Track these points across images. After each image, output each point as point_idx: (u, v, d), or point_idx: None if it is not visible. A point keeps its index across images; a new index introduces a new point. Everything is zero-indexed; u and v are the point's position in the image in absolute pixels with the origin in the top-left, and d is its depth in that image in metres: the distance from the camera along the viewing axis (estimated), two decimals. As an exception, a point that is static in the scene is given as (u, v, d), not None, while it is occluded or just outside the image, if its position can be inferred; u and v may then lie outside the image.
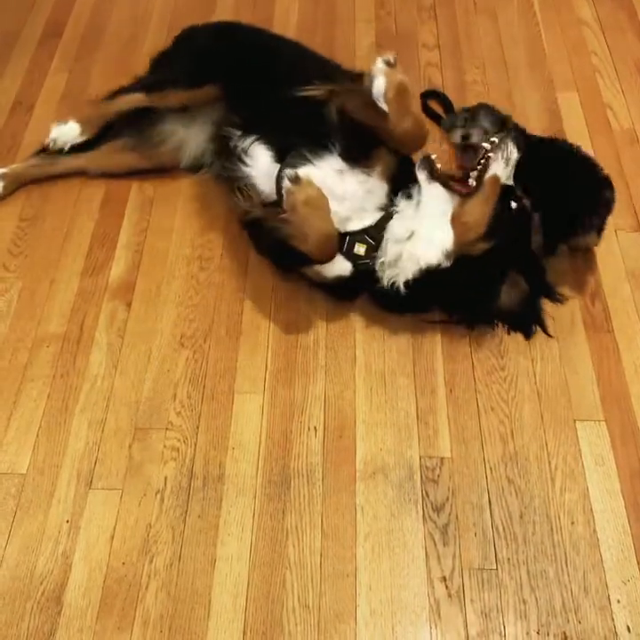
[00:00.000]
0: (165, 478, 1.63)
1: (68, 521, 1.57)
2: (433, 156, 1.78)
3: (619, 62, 2.50)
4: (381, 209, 1.76)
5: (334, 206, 1.69)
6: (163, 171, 2.17)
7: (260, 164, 1.83)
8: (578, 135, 2.27)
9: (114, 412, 1.72)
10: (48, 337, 1.85)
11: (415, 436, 1.68)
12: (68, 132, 2.11)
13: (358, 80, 1.82)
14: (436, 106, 2.37)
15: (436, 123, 2.34)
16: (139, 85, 2.17)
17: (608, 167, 2.18)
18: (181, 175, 2.17)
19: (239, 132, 1.90)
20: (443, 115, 2.35)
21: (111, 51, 2.57)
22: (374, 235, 1.74)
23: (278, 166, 1.77)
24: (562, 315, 1.87)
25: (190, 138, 2.13)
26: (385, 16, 2.68)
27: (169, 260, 2.00)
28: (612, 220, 2.05)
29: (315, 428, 1.70)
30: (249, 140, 1.86)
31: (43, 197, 2.14)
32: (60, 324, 1.87)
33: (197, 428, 1.70)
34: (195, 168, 2.15)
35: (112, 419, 1.71)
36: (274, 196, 1.77)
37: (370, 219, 1.75)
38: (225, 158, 1.94)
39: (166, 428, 1.70)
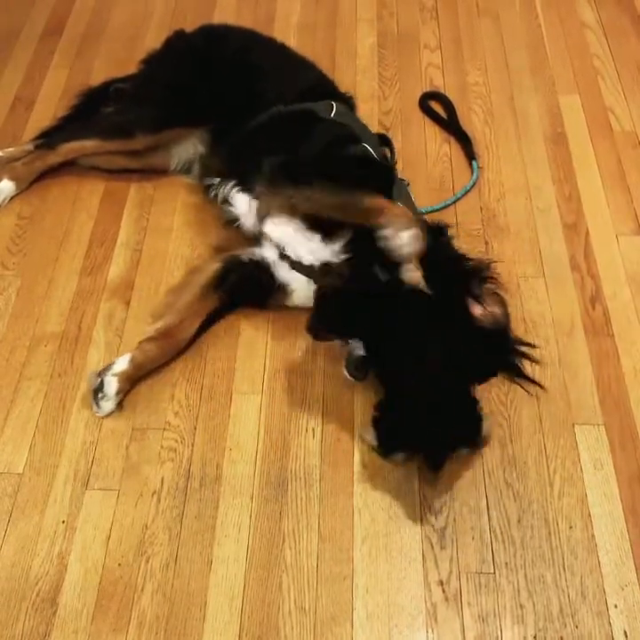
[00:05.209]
0: (162, 479, 1.62)
1: (63, 521, 1.56)
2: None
3: (621, 65, 2.49)
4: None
5: (303, 257, 1.77)
6: (156, 171, 2.17)
7: (241, 205, 1.90)
8: (579, 138, 2.27)
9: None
10: (46, 336, 1.84)
11: (413, 439, 1.68)
12: (3, 188, 2.09)
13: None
14: (437, 107, 2.38)
15: (437, 123, 2.34)
16: (94, 129, 2.11)
17: (609, 170, 2.19)
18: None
19: (218, 180, 1.96)
20: (443, 115, 2.35)
21: (112, 47, 2.57)
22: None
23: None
24: (562, 318, 1.87)
25: (176, 150, 2.13)
26: (387, 16, 2.68)
27: (168, 260, 1.99)
28: (612, 225, 2.06)
29: (313, 429, 1.69)
30: (228, 186, 1.92)
31: (41, 195, 2.13)
32: (58, 322, 1.86)
33: (195, 428, 1.69)
34: (186, 172, 2.16)
35: (109, 419, 1.70)
36: (257, 229, 1.86)
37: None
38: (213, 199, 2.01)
39: (164, 429, 1.69)
